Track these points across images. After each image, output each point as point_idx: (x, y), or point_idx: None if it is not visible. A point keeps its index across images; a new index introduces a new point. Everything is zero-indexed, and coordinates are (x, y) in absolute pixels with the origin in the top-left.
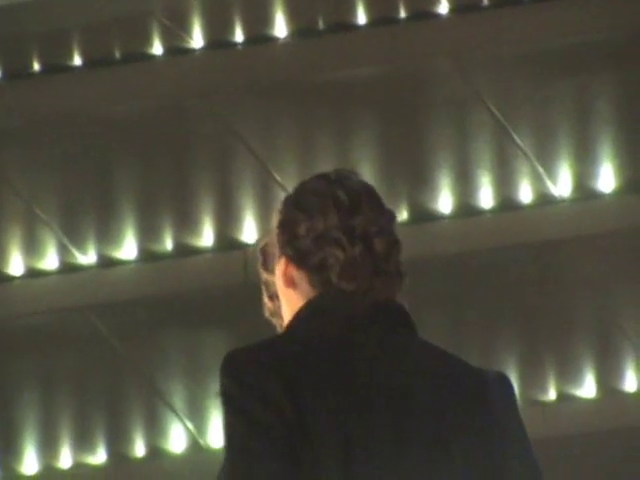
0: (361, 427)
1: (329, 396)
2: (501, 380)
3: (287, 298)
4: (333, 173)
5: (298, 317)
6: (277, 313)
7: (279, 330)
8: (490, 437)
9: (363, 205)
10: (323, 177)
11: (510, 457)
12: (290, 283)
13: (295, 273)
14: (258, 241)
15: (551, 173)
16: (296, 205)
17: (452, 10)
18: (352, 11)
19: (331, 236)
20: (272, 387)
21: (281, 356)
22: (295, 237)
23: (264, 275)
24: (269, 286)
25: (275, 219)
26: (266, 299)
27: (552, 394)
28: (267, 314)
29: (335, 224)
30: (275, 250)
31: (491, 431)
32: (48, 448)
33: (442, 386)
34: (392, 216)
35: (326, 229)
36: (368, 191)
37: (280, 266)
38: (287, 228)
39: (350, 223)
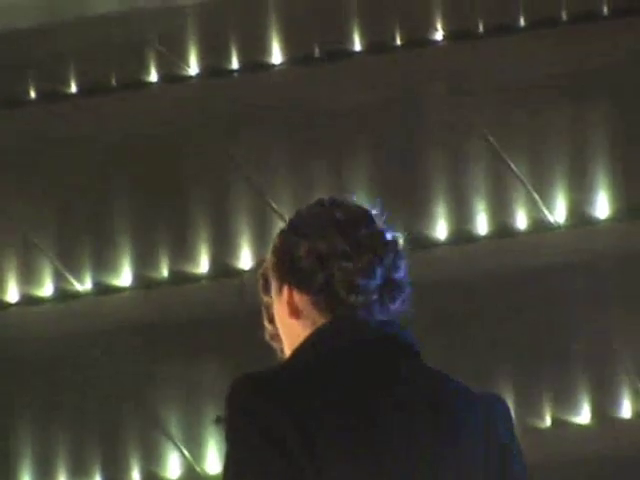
0: (369, 459)
1: (336, 429)
2: (500, 404)
3: (290, 329)
4: (328, 199)
5: (305, 346)
6: (277, 336)
7: (279, 354)
8: (493, 465)
9: (364, 222)
10: (318, 203)
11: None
12: (294, 313)
13: (299, 300)
14: (257, 265)
15: (547, 200)
16: (294, 231)
17: (448, 37)
18: (348, 38)
19: (337, 250)
20: (277, 419)
21: (287, 387)
22: (295, 262)
23: (265, 298)
24: (269, 309)
25: (270, 255)
26: (266, 322)
27: (547, 420)
28: (267, 337)
29: (339, 239)
30: (274, 281)
31: (494, 459)
32: (44, 475)
33: (449, 416)
34: (394, 234)
35: (329, 247)
36: (366, 211)
37: (283, 297)
38: (286, 255)
39: (355, 236)
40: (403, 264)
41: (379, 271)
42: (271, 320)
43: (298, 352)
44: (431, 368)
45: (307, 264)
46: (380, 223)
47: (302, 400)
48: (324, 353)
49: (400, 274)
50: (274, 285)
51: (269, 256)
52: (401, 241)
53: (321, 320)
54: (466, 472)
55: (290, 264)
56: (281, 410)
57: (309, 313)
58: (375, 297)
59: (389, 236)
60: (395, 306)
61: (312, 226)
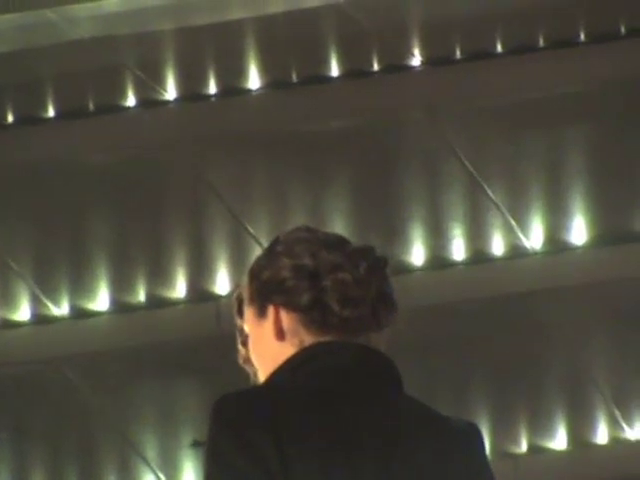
0: None
1: (316, 452)
2: (474, 432)
3: (273, 352)
4: (304, 227)
5: (287, 366)
6: (249, 360)
7: (252, 378)
8: None
9: (348, 242)
10: (297, 229)
11: None
12: (279, 334)
13: (287, 319)
14: (234, 290)
15: (523, 226)
16: (277, 253)
17: (425, 63)
18: (325, 63)
19: (328, 264)
20: (261, 442)
21: (272, 409)
22: (281, 281)
23: (239, 322)
24: (243, 332)
25: (251, 274)
26: (240, 346)
27: (524, 446)
28: (241, 361)
29: (330, 256)
30: (252, 305)
31: None
32: None
33: (426, 444)
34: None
35: (319, 263)
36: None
37: (267, 318)
38: (270, 276)
39: (345, 251)
40: (391, 286)
41: (374, 282)
42: (244, 343)
43: (282, 372)
44: (412, 398)
45: (295, 282)
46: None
47: (284, 422)
48: (309, 375)
49: (391, 289)
50: (252, 309)
51: (246, 280)
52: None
53: (309, 340)
54: None
55: (275, 284)
56: (263, 431)
57: (296, 333)
58: (369, 311)
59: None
60: (387, 323)
61: (297, 247)
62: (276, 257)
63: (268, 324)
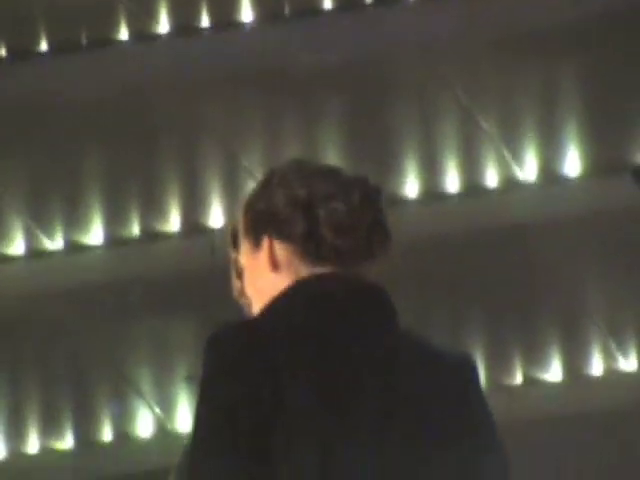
0: (341, 416)
1: (312, 384)
2: (470, 364)
3: (269, 284)
4: (298, 159)
5: (285, 297)
6: (244, 293)
7: (247, 311)
8: (467, 432)
9: (342, 171)
10: (291, 161)
11: (482, 453)
12: (274, 265)
13: (281, 250)
14: (227, 222)
15: (517, 157)
16: (270, 183)
17: None
18: None
19: (321, 194)
20: (254, 372)
21: (265, 339)
22: (275, 212)
23: (234, 255)
24: (238, 265)
25: (246, 205)
26: (234, 279)
27: (518, 378)
28: (236, 294)
29: (323, 185)
30: (248, 236)
31: (467, 426)
32: (15, 434)
33: (421, 375)
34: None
35: (312, 193)
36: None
37: (262, 249)
38: (264, 206)
39: (339, 180)
40: (385, 212)
41: (368, 211)
42: (240, 276)
43: (276, 304)
44: (406, 329)
45: (288, 212)
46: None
47: (279, 354)
48: (303, 306)
49: (385, 219)
50: (248, 241)
51: (240, 212)
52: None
53: (304, 270)
54: (437, 437)
55: (269, 215)
56: (257, 364)
57: (291, 264)
58: (363, 241)
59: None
60: (381, 252)
61: (290, 177)
62: (270, 188)
63: (263, 255)
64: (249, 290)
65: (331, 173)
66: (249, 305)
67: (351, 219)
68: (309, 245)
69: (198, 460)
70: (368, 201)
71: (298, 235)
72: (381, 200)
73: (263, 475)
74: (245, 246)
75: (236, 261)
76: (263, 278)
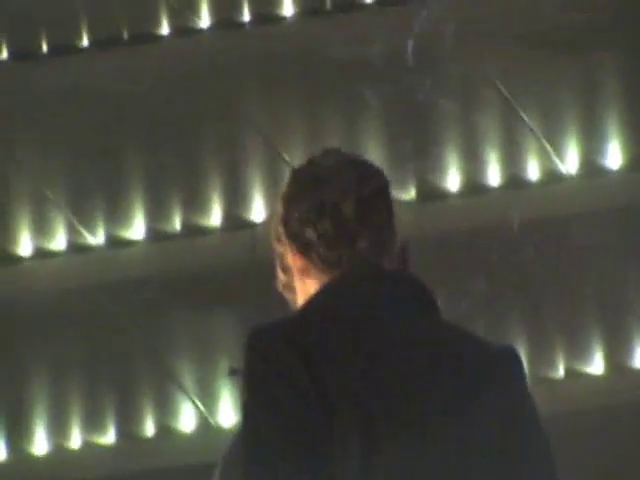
0: (383, 409)
1: (351, 378)
2: (514, 356)
3: (305, 285)
4: (316, 155)
5: (318, 296)
6: (290, 286)
7: (292, 305)
8: (508, 422)
9: (337, 178)
10: (306, 162)
11: (526, 445)
12: (303, 272)
13: (301, 261)
14: (269, 217)
15: (558, 150)
16: (286, 196)
17: None
18: None
19: (306, 216)
20: (296, 369)
21: (306, 336)
22: (292, 226)
23: (278, 247)
24: (283, 258)
25: (277, 215)
26: (280, 272)
27: (560, 371)
28: (280, 288)
29: (310, 203)
30: (282, 245)
31: (509, 415)
32: (58, 428)
33: (462, 366)
34: (378, 181)
35: (305, 210)
36: (347, 164)
37: (290, 258)
38: (284, 220)
39: (320, 199)
40: (373, 217)
41: (343, 232)
42: (284, 269)
43: (311, 304)
44: (448, 322)
45: (295, 228)
46: (360, 172)
47: (318, 349)
48: (342, 302)
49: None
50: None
51: (277, 212)
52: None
53: (324, 277)
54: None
55: (288, 229)
56: (298, 359)
57: (312, 272)
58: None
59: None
60: (391, 256)
61: (295, 189)
62: (285, 201)
63: (291, 260)
64: (296, 285)
65: (323, 180)
66: (294, 299)
67: (329, 240)
68: (312, 258)
69: (250, 454)
70: (340, 220)
71: (303, 250)
72: (366, 211)
73: (314, 467)
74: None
75: (281, 254)
76: (299, 280)
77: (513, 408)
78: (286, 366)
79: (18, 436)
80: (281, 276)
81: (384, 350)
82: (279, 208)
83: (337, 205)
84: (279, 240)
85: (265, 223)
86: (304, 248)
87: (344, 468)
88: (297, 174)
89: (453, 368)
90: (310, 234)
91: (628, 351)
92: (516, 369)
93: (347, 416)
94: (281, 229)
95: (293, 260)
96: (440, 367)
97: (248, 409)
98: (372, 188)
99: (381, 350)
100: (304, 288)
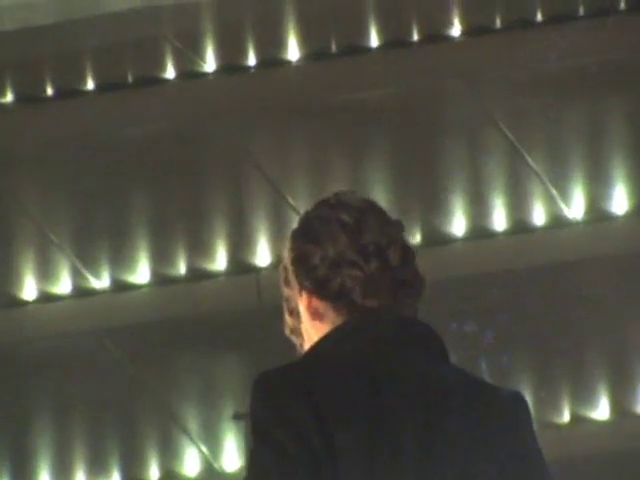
0: (389, 460)
1: (359, 427)
2: (521, 402)
3: (315, 330)
4: (333, 197)
5: (327, 340)
6: (298, 330)
7: (299, 349)
8: (516, 466)
9: (369, 221)
10: (324, 203)
11: None
12: (316, 315)
13: (319, 304)
14: (276, 261)
15: (564, 195)
16: (305, 237)
17: (465, 33)
18: (365, 34)
19: (345, 259)
20: (303, 416)
21: (312, 382)
22: (311, 269)
23: (285, 291)
24: (290, 302)
25: (287, 256)
26: (287, 316)
27: (566, 416)
28: (287, 332)
29: (346, 246)
30: (291, 288)
31: (517, 464)
32: (62, 472)
33: (470, 415)
34: (400, 225)
35: (338, 253)
36: (371, 206)
37: (303, 301)
38: (302, 262)
39: (360, 241)
40: (411, 261)
41: (387, 276)
42: (291, 313)
43: (318, 348)
44: (458, 369)
45: (322, 272)
46: (385, 216)
47: (324, 396)
48: (349, 348)
49: (409, 274)
50: (295, 284)
51: (287, 253)
52: (407, 236)
53: (340, 321)
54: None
55: (306, 272)
56: (304, 406)
57: (330, 317)
58: (390, 299)
59: (394, 236)
60: (411, 304)
61: (321, 231)
62: (305, 243)
63: (303, 304)
64: (303, 330)
65: (358, 228)
66: (301, 343)
67: (371, 285)
68: (342, 302)
69: None
70: (385, 266)
71: (333, 294)
72: (404, 258)
73: None
74: (296, 289)
75: (288, 298)
76: (309, 324)
77: (521, 453)
78: (293, 415)
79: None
80: (288, 320)
81: (394, 401)
82: (291, 249)
83: (382, 249)
84: (287, 283)
85: (270, 267)
86: (334, 293)
87: None
88: (317, 214)
89: (463, 416)
90: (347, 277)
91: (633, 396)
92: (524, 415)
93: (354, 468)
94: (294, 271)
95: (308, 303)
96: (450, 417)
97: (255, 458)
98: (403, 233)
99: (391, 400)
100: (314, 331)
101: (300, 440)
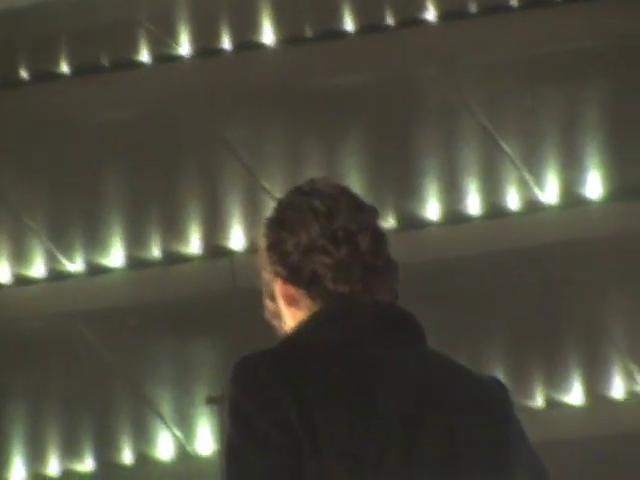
0: (369, 440)
1: (338, 408)
2: (501, 389)
3: (292, 316)
4: (306, 185)
5: (304, 325)
6: (278, 315)
7: (279, 332)
8: (499, 452)
9: (341, 207)
10: (297, 190)
11: (519, 470)
12: (292, 302)
13: (294, 291)
14: (251, 245)
15: (538, 180)
16: (278, 225)
17: (440, 17)
18: (340, 18)
19: (316, 245)
20: (284, 402)
21: (292, 367)
22: (284, 256)
23: (265, 276)
24: (270, 287)
25: (262, 243)
26: (267, 300)
27: (540, 401)
28: (267, 315)
29: (318, 233)
30: (268, 273)
31: (499, 446)
32: (36, 456)
33: (451, 399)
34: (374, 211)
35: (310, 240)
36: (343, 192)
37: (278, 288)
38: (275, 249)
39: (331, 228)
40: (383, 247)
41: (358, 262)
42: (272, 297)
43: (296, 334)
44: (436, 351)
45: (295, 259)
46: (358, 202)
47: (304, 381)
48: (328, 332)
49: (380, 259)
50: (270, 271)
51: (262, 240)
52: (380, 221)
53: (314, 307)
54: (476, 466)
55: (280, 259)
56: (285, 392)
57: (305, 303)
58: (361, 285)
59: (366, 222)
60: (384, 290)
61: (294, 219)
62: (279, 230)
63: (279, 290)
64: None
65: (330, 215)
66: (281, 327)
67: (341, 271)
68: (315, 289)
69: None
70: (355, 252)
71: (305, 280)
72: (375, 244)
73: None
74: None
75: (267, 283)
76: (286, 309)
77: (504, 439)
78: (275, 401)
79: None
80: (268, 304)
81: (373, 384)
82: (266, 236)
83: (352, 235)
84: (265, 268)
85: (245, 251)
86: (307, 279)
87: None
88: (291, 201)
89: (441, 400)
90: (318, 264)
91: (607, 382)
92: (505, 401)
93: (334, 451)
94: (269, 257)
95: (283, 289)
96: (428, 399)
97: (232, 443)
98: (376, 219)
99: (370, 384)
100: (291, 318)
101: (281, 426)
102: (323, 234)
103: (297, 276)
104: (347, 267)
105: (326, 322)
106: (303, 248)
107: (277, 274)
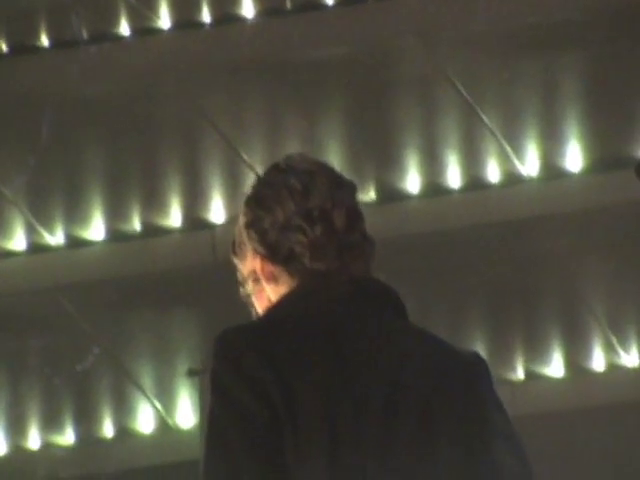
0: (347, 405)
1: (315, 376)
2: (481, 363)
3: (272, 292)
4: (283, 162)
5: (283, 300)
6: (249, 300)
7: (254, 313)
8: (475, 421)
9: (317, 185)
10: (274, 168)
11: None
12: (271, 279)
13: (273, 268)
14: (230, 221)
15: (519, 152)
16: (256, 203)
17: None
18: None
19: (292, 224)
20: (264, 375)
21: (273, 341)
22: (262, 234)
23: (236, 262)
24: (242, 274)
25: (241, 221)
26: (240, 284)
27: (520, 373)
28: (243, 297)
29: (293, 211)
30: (248, 250)
31: (476, 415)
32: (16, 429)
33: (429, 371)
34: (352, 187)
35: (286, 218)
36: (321, 169)
37: (257, 265)
38: (254, 227)
39: (307, 206)
40: (358, 224)
41: (333, 239)
42: (243, 282)
43: (277, 309)
44: (414, 325)
45: (272, 237)
46: (335, 179)
47: (285, 355)
48: (307, 307)
49: (356, 235)
50: (249, 248)
51: (241, 218)
52: (358, 197)
53: (293, 283)
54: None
55: (258, 236)
56: (266, 365)
57: (284, 279)
58: (337, 262)
59: (341, 199)
60: (360, 265)
61: (270, 197)
62: (257, 209)
63: (258, 267)
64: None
65: (306, 193)
66: (254, 310)
67: (317, 249)
68: (293, 266)
69: (212, 461)
70: (330, 229)
71: (283, 258)
72: (351, 220)
73: (277, 474)
74: (250, 252)
75: (239, 269)
76: (263, 285)
77: (482, 416)
78: (255, 374)
79: None
80: (240, 289)
81: (353, 358)
82: (244, 214)
83: (327, 213)
84: (241, 248)
85: (225, 224)
86: (284, 257)
87: (308, 476)
88: (268, 179)
89: (419, 369)
90: (294, 243)
91: (587, 353)
92: (484, 376)
93: (314, 424)
94: (248, 235)
95: (262, 267)
96: (407, 367)
97: (214, 415)
98: (354, 196)
99: (350, 358)
100: (271, 293)
101: (261, 399)
102: (298, 212)
103: (275, 254)
104: (323, 246)
105: (303, 296)
106: (279, 226)
107: (256, 251)
